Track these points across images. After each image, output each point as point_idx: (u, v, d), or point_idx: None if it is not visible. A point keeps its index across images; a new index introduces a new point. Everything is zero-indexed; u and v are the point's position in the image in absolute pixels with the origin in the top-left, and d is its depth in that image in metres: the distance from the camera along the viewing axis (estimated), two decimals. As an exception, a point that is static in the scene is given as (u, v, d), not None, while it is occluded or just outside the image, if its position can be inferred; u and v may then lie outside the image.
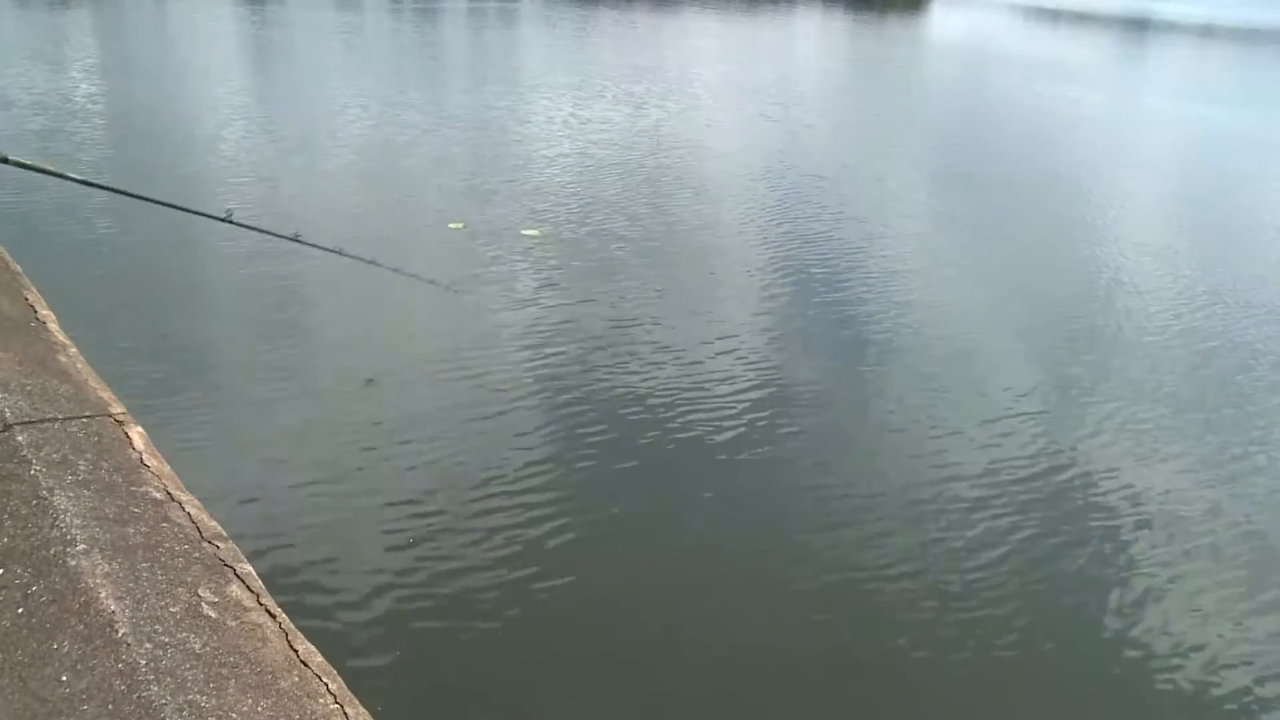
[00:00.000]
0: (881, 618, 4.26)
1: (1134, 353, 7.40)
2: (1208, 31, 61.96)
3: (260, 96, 14.84)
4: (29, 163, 2.33)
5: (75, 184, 2.59)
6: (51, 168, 2.51)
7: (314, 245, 3.50)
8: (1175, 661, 4.14)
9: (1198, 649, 4.21)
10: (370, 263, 3.25)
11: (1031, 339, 7.56)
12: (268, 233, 4.16)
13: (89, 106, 12.58)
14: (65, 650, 1.96)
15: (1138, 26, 62.37)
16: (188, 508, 2.62)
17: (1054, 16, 65.88)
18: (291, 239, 4.18)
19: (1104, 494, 5.38)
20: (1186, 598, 4.55)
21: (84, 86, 13.89)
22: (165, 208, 3.58)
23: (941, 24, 53.11)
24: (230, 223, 3.82)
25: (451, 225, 8.77)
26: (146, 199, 3.21)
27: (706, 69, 22.52)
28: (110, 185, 3.00)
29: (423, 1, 36.46)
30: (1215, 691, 3.99)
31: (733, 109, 17.04)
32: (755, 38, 34.95)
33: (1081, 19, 64.62)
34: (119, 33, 21.32)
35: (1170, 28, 63.51)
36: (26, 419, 2.77)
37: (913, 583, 4.49)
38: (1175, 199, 13.50)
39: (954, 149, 15.43)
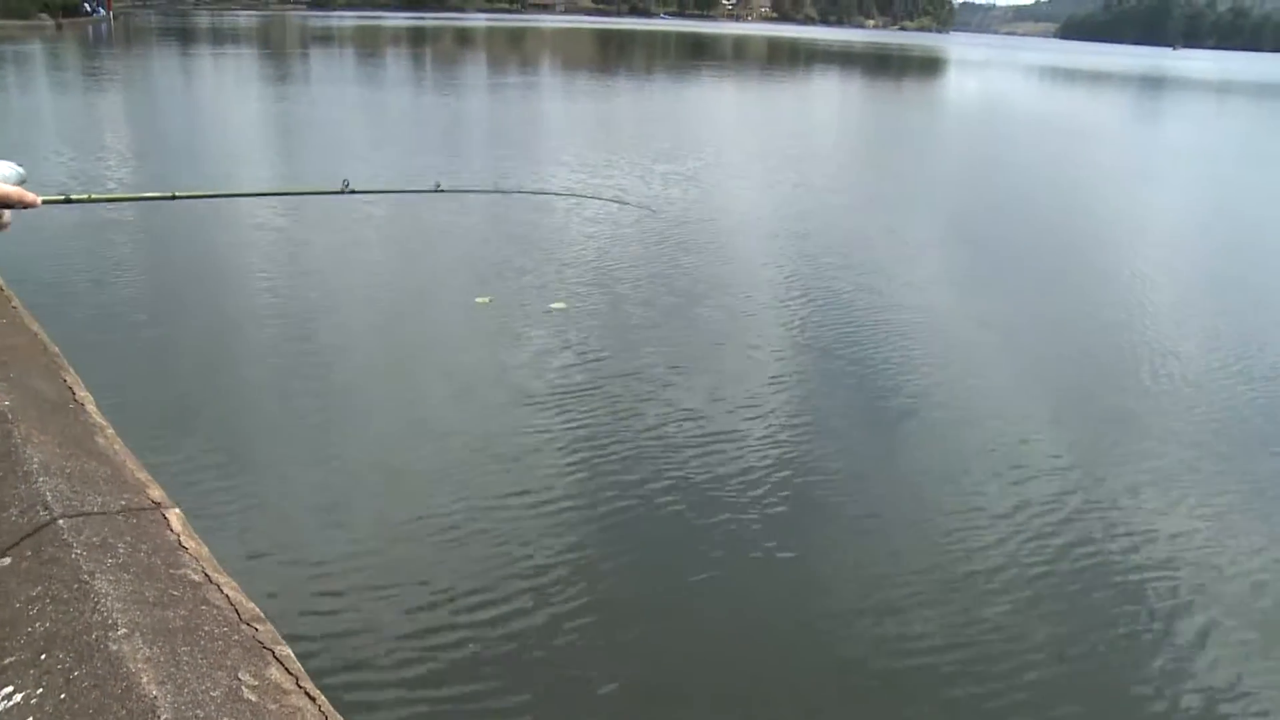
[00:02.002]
0: (905, 682, 4.22)
1: (1161, 412, 7.36)
2: (1224, 88, 62.27)
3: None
4: (96, 195, 2.36)
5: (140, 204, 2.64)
6: (121, 194, 2.58)
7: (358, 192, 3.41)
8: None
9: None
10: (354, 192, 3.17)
11: (1056, 397, 7.54)
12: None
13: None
14: (108, 737, 1.96)
15: (1153, 84, 62.81)
16: (226, 590, 2.63)
17: (1070, 76, 66.47)
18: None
19: (1130, 549, 5.33)
20: (1227, 662, 4.47)
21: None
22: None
23: (958, 86, 53.70)
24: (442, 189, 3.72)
25: (479, 299, 8.86)
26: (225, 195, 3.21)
27: (725, 136, 22.80)
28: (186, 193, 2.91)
29: (444, 76, 37.15)
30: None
31: (753, 174, 17.23)
32: (774, 104, 35.38)
33: (1097, 78, 65.16)
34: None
35: (1186, 84, 63.93)
36: (66, 501, 2.80)
37: (939, 640, 4.44)
38: (1197, 257, 13.51)
39: (974, 211, 15.51)
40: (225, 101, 25.80)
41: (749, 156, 19.55)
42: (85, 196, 2.22)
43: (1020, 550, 5.24)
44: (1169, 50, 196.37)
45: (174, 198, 2.61)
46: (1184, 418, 7.21)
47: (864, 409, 7.08)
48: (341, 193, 3.01)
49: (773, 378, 7.47)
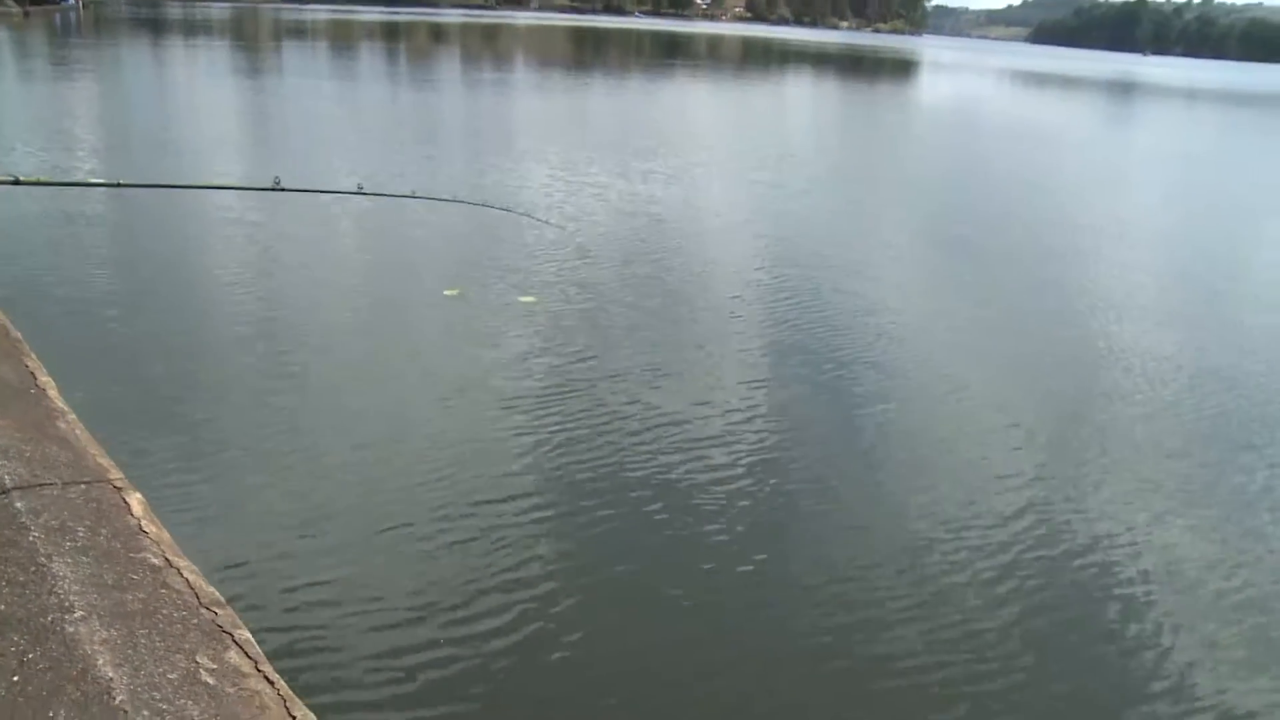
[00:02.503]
0: (884, 685, 4.23)
1: (1135, 415, 7.43)
2: (1191, 95, 63.06)
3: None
4: (45, 179, 2.38)
5: (99, 189, 2.62)
6: (67, 180, 2.58)
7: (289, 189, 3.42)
8: (1181, 721, 4.10)
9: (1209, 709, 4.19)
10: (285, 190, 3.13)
11: (1031, 399, 7.58)
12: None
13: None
14: (62, 718, 1.94)
15: (1123, 90, 63.50)
16: (186, 574, 2.61)
17: (1041, 80, 67.04)
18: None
19: (1108, 553, 5.37)
20: (1213, 668, 4.52)
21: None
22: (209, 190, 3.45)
23: (931, 88, 54.03)
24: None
25: (446, 292, 8.82)
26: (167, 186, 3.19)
27: (698, 135, 22.84)
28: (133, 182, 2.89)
29: (421, 73, 37.01)
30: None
31: (726, 174, 17.25)
32: (747, 104, 35.45)
33: (1068, 83, 65.80)
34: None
35: (1155, 90, 64.69)
36: (25, 485, 2.76)
37: (920, 643, 4.46)
38: (1171, 261, 13.65)
39: (947, 213, 15.58)
40: (185, 94, 25.54)
41: (721, 157, 19.57)
42: (34, 180, 2.23)
43: (1000, 554, 5.26)
44: (1139, 56, 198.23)
45: (119, 185, 2.64)
46: (1160, 421, 7.27)
47: (839, 412, 7.09)
48: (273, 189, 3.04)
49: (749, 380, 7.47)
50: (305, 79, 31.33)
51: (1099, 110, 45.26)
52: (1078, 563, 5.25)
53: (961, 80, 63.08)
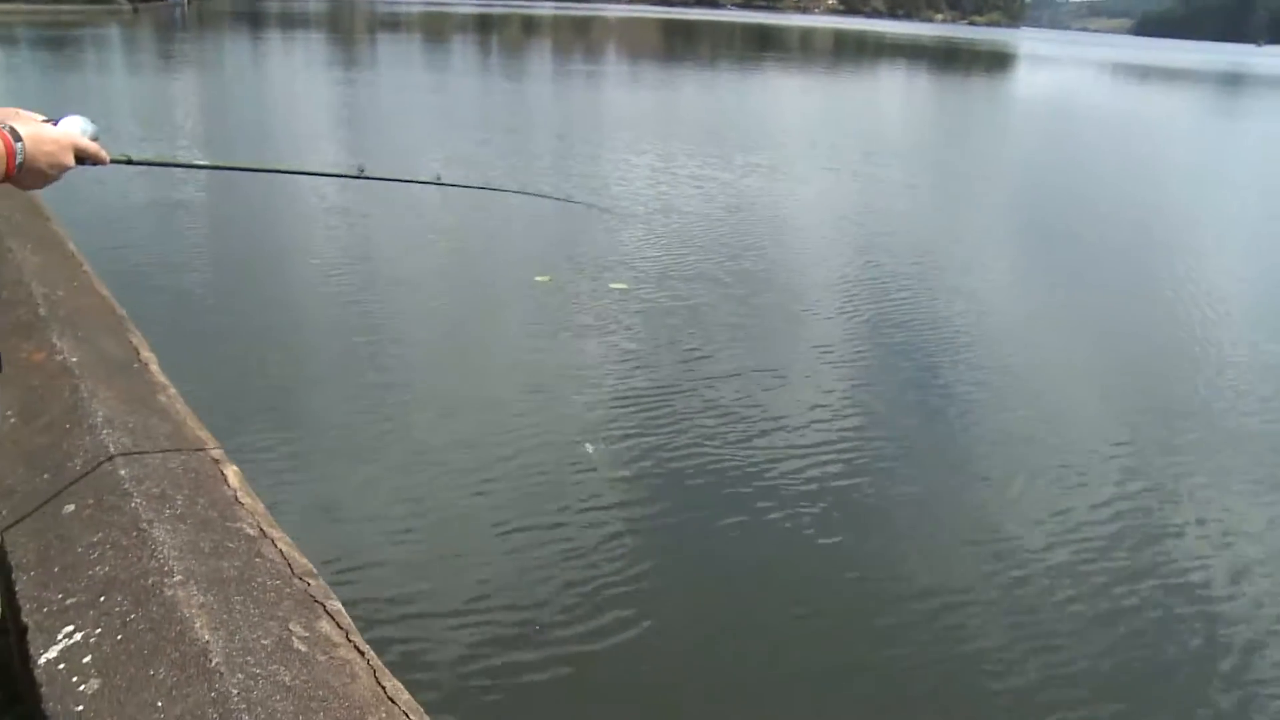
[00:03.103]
0: (960, 684, 4.16)
1: (1234, 420, 7.18)
2: (1306, 87, 60.53)
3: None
4: (156, 158, 2.46)
5: (203, 170, 2.74)
6: (177, 159, 2.66)
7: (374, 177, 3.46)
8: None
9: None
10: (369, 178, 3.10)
11: (1128, 405, 7.35)
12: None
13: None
14: (161, 677, 1.99)
15: (1233, 83, 61.29)
16: (279, 544, 2.66)
17: (1143, 73, 65.10)
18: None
19: (1198, 557, 5.21)
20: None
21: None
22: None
23: (1028, 81, 52.84)
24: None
25: (539, 278, 8.89)
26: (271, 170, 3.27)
27: (792, 129, 22.67)
28: (237, 165, 3.00)
29: (513, 65, 37.32)
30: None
31: (820, 169, 17.09)
32: (841, 97, 35.11)
33: (1174, 76, 63.75)
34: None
35: (1269, 83, 62.28)
36: (128, 453, 2.84)
37: (994, 641, 4.37)
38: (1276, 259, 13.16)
39: (1049, 208, 15.23)
40: (282, 85, 26.17)
41: (815, 151, 19.39)
42: (145, 159, 2.30)
43: (1083, 556, 5.14)
44: (1253, 47, 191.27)
45: (218, 167, 2.71)
46: (1260, 427, 7.02)
47: (934, 413, 6.97)
48: (357, 177, 3.10)
49: (841, 375, 7.40)
50: (399, 70, 31.85)
51: (1207, 105, 43.81)
52: (1179, 576, 5.08)
53: (1061, 74, 61.57)
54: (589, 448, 5.79)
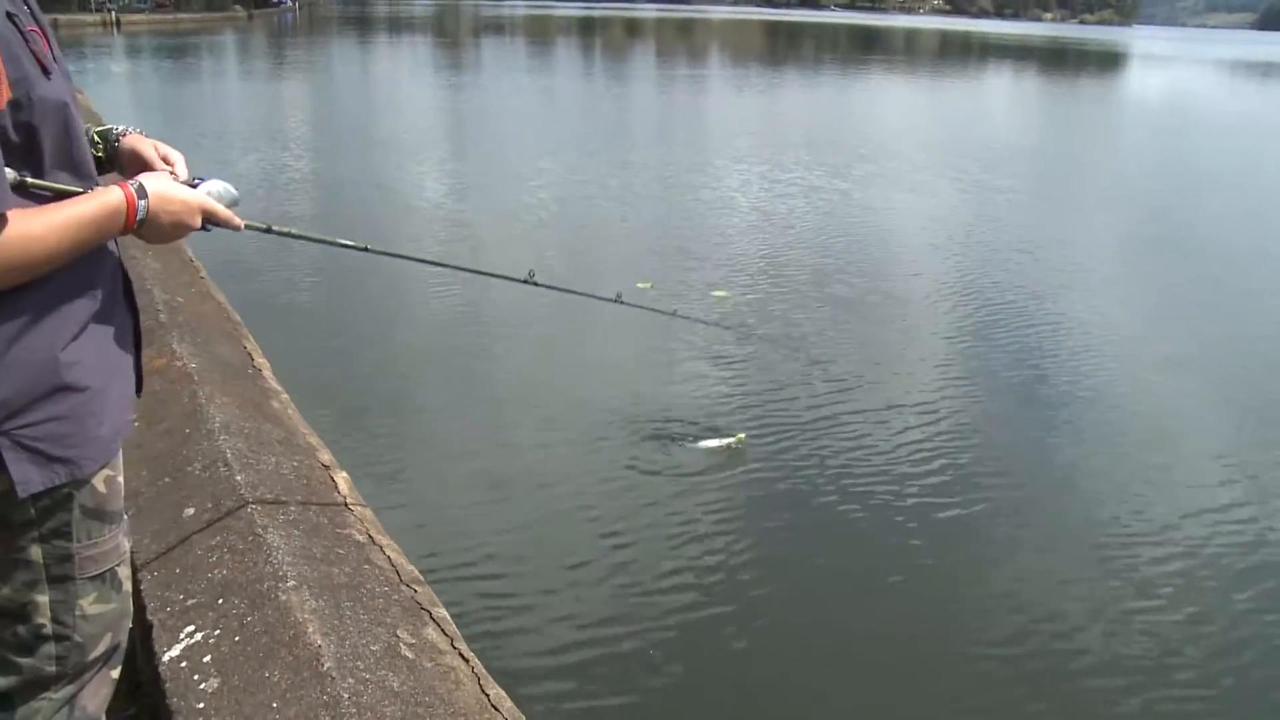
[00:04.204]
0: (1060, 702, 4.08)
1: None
2: None
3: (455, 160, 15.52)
4: (296, 232, 2.45)
5: (343, 248, 2.66)
6: (317, 235, 2.60)
7: (547, 286, 3.48)
8: None
9: None
10: (538, 284, 3.14)
11: (1242, 420, 7.09)
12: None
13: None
14: (276, 679, 2.07)
15: (1360, 81, 58.55)
16: (388, 551, 2.73)
17: (1264, 70, 62.64)
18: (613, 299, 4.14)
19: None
20: None
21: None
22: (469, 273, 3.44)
23: (1140, 81, 51.29)
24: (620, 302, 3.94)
25: (640, 284, 8.93)
26: (440, 264, 3.28)
27: (897, 130, 22.39)
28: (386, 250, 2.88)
29: (613, 66, 37.54)
30: None
31: (925, 170, 16.85)
32: (945, 99, 34.55)
33: (1298, 74, 61.18)
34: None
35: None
36: (244, 459, 2.95)
37: (1094, 658, 4.27)
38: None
39: (1158, 214, 14.76)
40: (389, 96, 26.65)
41: (923, 157, 19.10)
42: (286, 231, 2.32)
43: (1190, 578, 4.98)
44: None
45: (366, 250, 2.66)
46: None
47: (1037, 425, 6.81)
48: (526, 282, 3.14)
49: (946, 385, 7.28)
50: (510, 78, 32.21)
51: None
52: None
53: (1176, 73, 59.62)
54: (732, 440, 5.85)
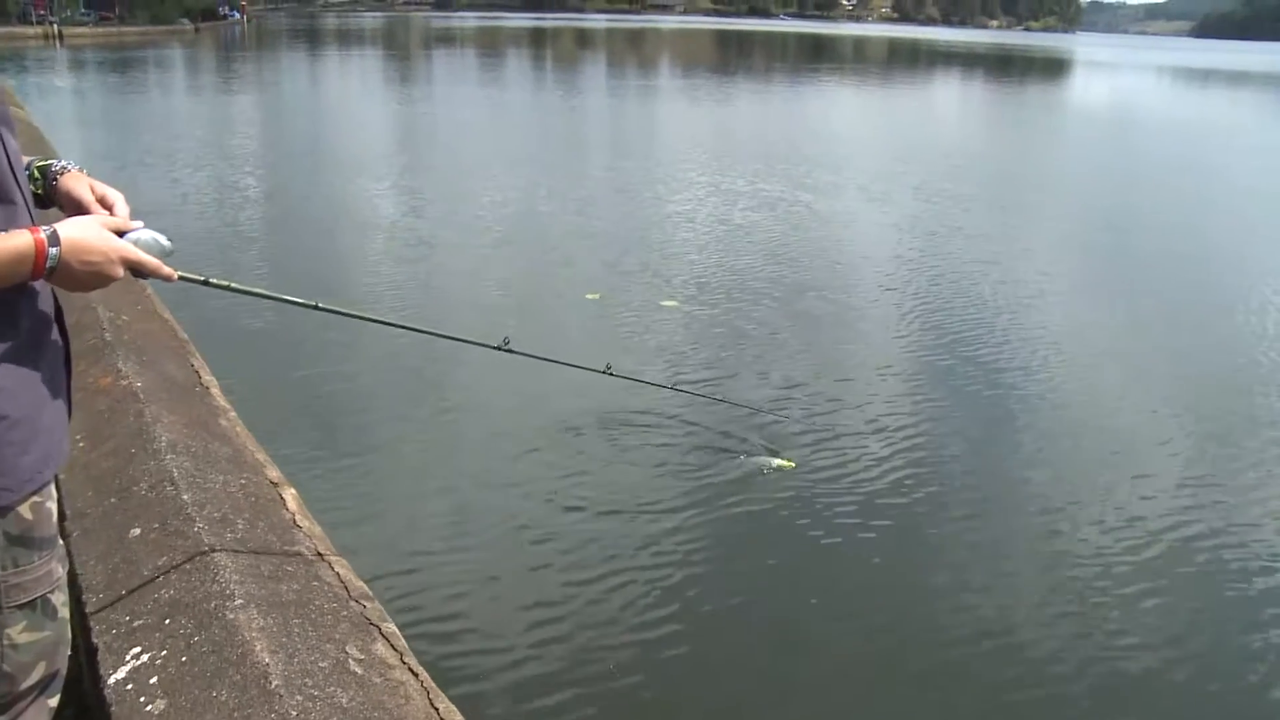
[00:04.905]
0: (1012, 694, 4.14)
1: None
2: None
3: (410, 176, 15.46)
4: (236, 285, 2.33)
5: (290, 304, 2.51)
6: (259, 290, 2.46)
7: (520, 352, 3.37)
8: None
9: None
10: (512, 351, 3.18)
11: (1194, 417, 7.23)
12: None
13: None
14: (224, 699, 2.07)
15: (1296, 85, 59.91)
16: (337, 568, 2.74)
17: (1204, 77, 63.95)
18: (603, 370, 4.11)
19: (1264, 574, 5.12)
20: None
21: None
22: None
23: (1085, 87, 52.14)
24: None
25: (589, 295, 8.96)
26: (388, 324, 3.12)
27: (848, 138, 22.60)
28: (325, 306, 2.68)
29: (565, 77, 37.59)
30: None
31: (876, 178, 17.02)
32: (895, 106, 34.91)
33: (1235, 78, 62.55)
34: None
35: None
36: (190, 478, 2.94)
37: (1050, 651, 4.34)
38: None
39: (1106, 216, 15.05)
40: (339, 113, 26.50)
41: (874, 165, 19.30)
42: (225, 284, 2.20)
43: (1140, 572, 5.08)
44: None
45: (316, 308, 2.50)
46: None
47: (987, 425, 6.91)
48: (499, 349, 3.09)
49: (890, 389, 7.37)
50: (461, 89, 32.14)
51: (1269, 108, 42.92)
52: (1234, 587, 5.01)
53: (1119, 79, 60.68)
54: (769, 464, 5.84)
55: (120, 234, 1.75)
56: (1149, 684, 4.23)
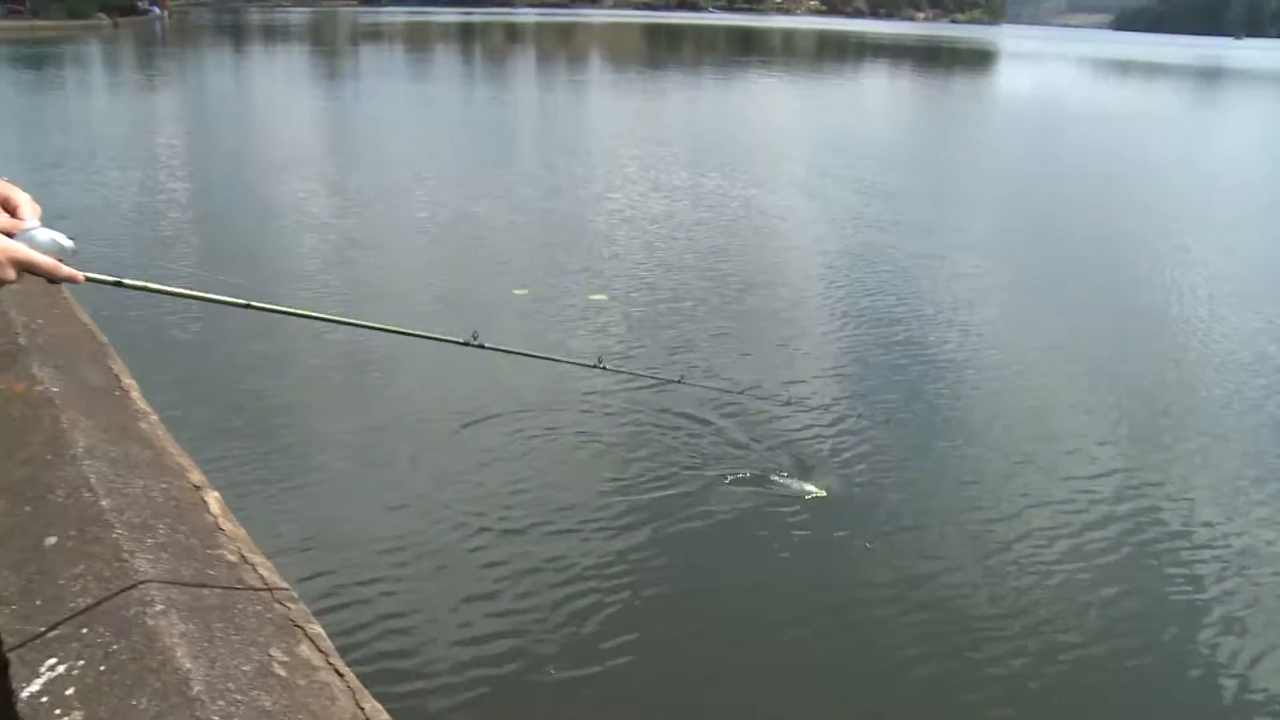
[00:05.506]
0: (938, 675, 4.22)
1: (1219, 415, 7.25)
2: (1285, 79, 60.88)
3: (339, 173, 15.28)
4: (144, 285, 2.17)
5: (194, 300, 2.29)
6: (166, 288, 2.26)
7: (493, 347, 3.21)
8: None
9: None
10: (435, 338, 3.10)
11: (1113, 399, 7.42)
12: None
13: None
14: (144, 707, 2.03)
15: (1210, 76, 61.61)
16: (261, 570, 2.70)
17: (1123, 69, 65.42)
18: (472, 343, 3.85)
19: (1191, 556, 5.28)
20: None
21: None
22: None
23: (1010, 78, 53.03)
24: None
25: (517, 290, 8.94)
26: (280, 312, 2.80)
27: (778, 131, 22.75)
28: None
29: (495, 72, 37.37)
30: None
31: (806, 170, 17.17)
32: (825, 99, 35.21)
33: (1151, 70, 64.10)
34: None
35: (1244, 76, 62.63)
36: (109, 484, 2.88)
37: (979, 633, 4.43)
38: (1254, 250, 13.27)
39: (1029, 206, 15.33)
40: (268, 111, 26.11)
41: (800, 156, 19.46)
42: (142, 286, 2.06)
43: (1079, 558, 5.20)
44: (1231, 40, 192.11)
45: (249, 307, 2.33)
46: (1239, 419, 7.11)
47: (908, 407, 7.03)
48: (468, 344, 2.97)
49: (823, 373, 7.45)
50: (389, 83, 31.82)
51: (1189, 99, 44.05)
52: (1159, 562, 5.16)
53: (1043, 70, 61.79)
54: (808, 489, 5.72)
55: (11, 235, 1.68)
56: (1062, 662, 4.33)
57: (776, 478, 5.73)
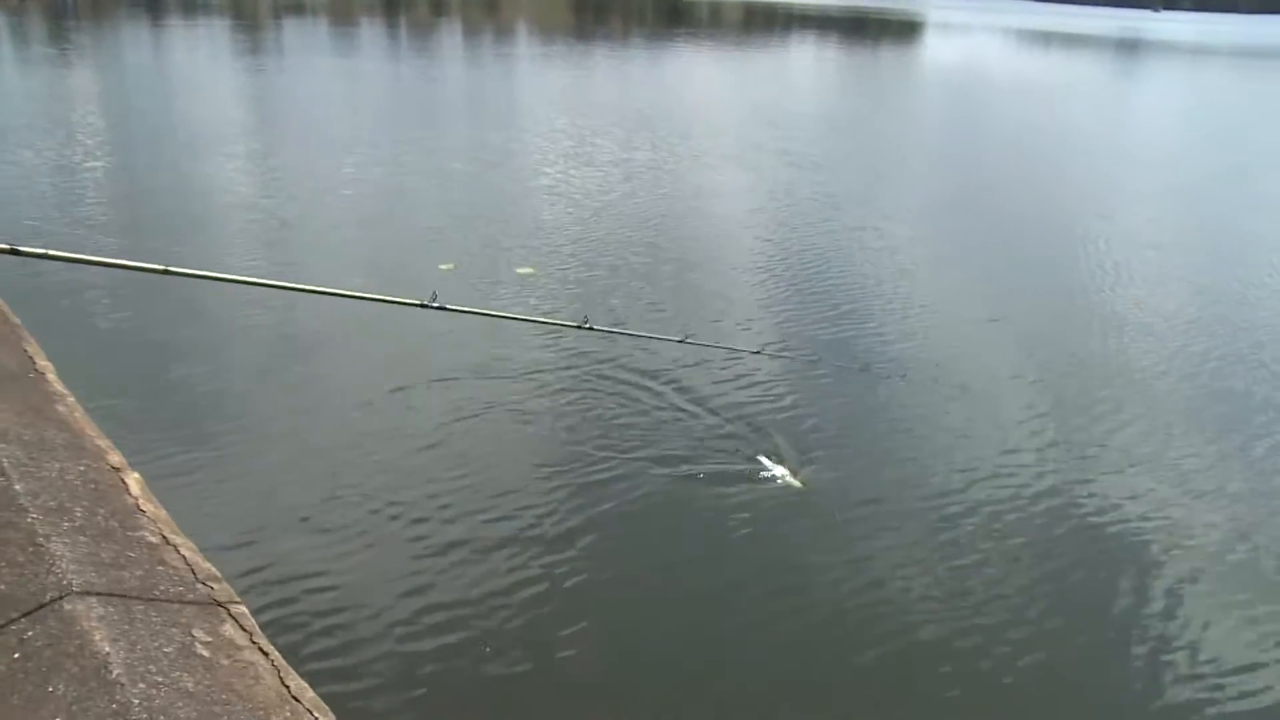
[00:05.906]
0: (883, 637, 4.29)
1: (1141, 378, 7.44)
2: (1200, 50, 62.30)
3: (263, 150, 14.98)
4: (43, 252, 2.05)
5: (95, 266, 2.19)
6: (67, 254, 2.14)
7: (315, 290, 3.19)
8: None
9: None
10: (360, 297, 3.03)
11: (1040, 367, 7.57)
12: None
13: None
14: (61, 693, 2.00)
15: (1129, 48, 62.80)
16: (183, 551, 2.66)
17: (1045, 39, 66.36)
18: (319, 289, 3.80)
19: (1116, 522, 5.41)
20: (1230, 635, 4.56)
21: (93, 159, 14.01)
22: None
23: (935, 50, 53.48)
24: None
25: (442, 266, 8.85)
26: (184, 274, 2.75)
27: (702, 102, 22.72)
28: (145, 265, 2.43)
29: (421, 45, 36.83)
30: None
31: (727, 141, 17.18)
32: (749, 70, 35.19)
33: (1072, 41, 65.12)
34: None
35: (1162, 48, 63.91)
36: (23, 467, 2.81)
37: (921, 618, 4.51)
38: (1175, 218, 13.58)
39: (954, 176, 15.53)
40: (207, 114, 25.50)
41: (730, 129, 19.47)
42: (39, 252, 1.94)
43: (1005, 530, 5.30)
44: (1149, 12, 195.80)
45: (166, 272, 2.20)
46: (1166, 386, 7.30)
47: (842, 389, 7.09)
48: (426, 306, 2.90)
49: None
50: (314, 59, 31.23)
51: (1107, 69, 44.85)
52: (1086, 538, 5.28)
53: (969, 40, 62.43)
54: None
55: None
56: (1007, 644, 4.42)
57: (710, 451, 5.77)
